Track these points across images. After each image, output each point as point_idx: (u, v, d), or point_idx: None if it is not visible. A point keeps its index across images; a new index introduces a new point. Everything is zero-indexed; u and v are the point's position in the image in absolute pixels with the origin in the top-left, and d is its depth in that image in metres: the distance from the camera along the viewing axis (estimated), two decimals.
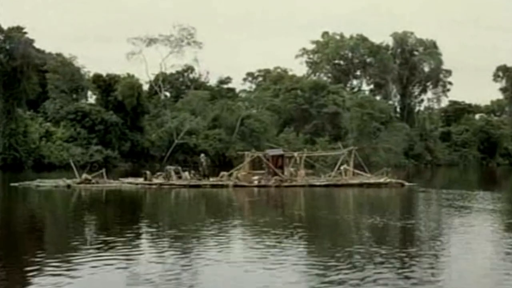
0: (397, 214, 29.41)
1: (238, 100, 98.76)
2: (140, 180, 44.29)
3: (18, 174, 62.89)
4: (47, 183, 42.86)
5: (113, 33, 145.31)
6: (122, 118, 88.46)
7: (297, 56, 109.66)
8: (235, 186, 43.70)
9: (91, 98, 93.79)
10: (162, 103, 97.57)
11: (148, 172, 44.39)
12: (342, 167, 48.47)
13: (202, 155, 48.53)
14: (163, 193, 40.97)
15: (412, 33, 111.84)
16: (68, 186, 41.80)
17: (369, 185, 45.51)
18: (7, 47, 76.82)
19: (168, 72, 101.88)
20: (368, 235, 21.73)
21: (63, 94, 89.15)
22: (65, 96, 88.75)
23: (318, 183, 45.34)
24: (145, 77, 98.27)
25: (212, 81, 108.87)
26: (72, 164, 45.79)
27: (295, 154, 49.04)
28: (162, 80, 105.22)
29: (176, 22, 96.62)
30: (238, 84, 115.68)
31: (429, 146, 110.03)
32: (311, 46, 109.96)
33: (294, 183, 45.20)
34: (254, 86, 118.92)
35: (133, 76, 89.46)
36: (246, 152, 48.72)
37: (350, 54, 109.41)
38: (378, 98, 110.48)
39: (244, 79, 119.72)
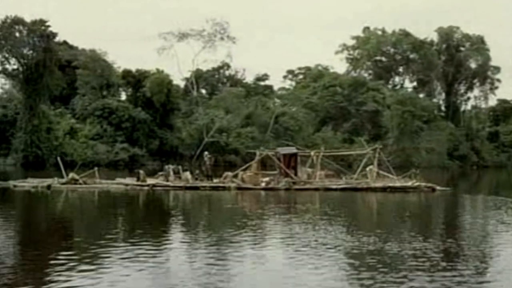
0: (434, 231, 22.27)
1: (272, 97, 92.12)
2: (132, 180, 38.36)
3: (40, 172, 58.29)
4: (28, 184, 37.23)
5: (147, 31, 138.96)
6: (151, 115, 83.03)
7: (337, 52, 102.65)
8: (238, 188, 37.38)
9: (123, 95, 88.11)
10: (195, 100, 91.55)
11: (141, 172, 38.50)
12: (368, 168, 41.62)
13: (206, 153, 42.37)
14: (153, 195, 34.93)
15: (458, 28, 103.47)
16: (49, 186, 36.16)
17: (394, 189, 38.69)
18: (30, 40, 71.71)
19: (201, 68, 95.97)
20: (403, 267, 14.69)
21: (93, 90, 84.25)
22: (94, 92, 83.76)
23: (334, 186, 38.68)
24: (177, 73, 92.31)
25: (249, 78, 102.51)
26: (60, 162, 40.00)
27: (312, 153, 42.36)
28: (198, 77, 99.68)
29: (209, 16, 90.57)
30: (276, 82, 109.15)
31: (476, 146, 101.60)
32: (351, 42, 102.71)
33: (307, 186, 38.62)
34: (293, 84, 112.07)
35: (162, 71, 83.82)
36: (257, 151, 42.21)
37: (392, 50, 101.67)
38: (421, 95, 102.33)
39: (284, 77, 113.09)
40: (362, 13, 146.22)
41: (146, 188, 36.81)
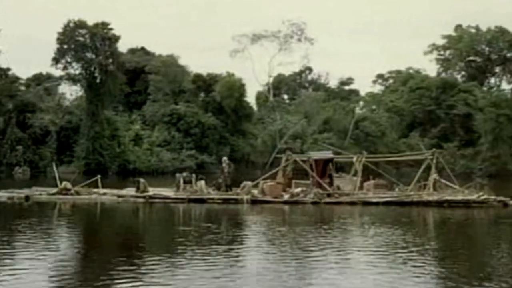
0: None
1: (352, 101, 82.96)
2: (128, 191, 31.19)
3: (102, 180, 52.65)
4: (6, 194, 30.75)
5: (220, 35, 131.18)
6: (222, 121, 76.31)
7: (425, 53, 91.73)
8: (253, 201, 29.41)
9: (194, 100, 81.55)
10: (271, 105, 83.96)
11: (141, 181, 31.25)
12: (431, 177, 32.55)
13: (224, 158, 34.56)
14: (144, 210, 27.60)
15: None
16: (27, 198, 29.46)
17: (454, 203, 29.46)
18: (92, 44, 66.48)
19: (283, 72, 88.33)
20: None
21: (165, 96, 78.56)
22: (166, 98, 77.99)
23: (375, 200, 29.88)
24: (251, 77, 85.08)
25: (332, 83, 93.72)
26: (55, 170, 33.37)
27: (354, 158, 33.67)
28: (279, 81, 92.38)
29: (285, 17, 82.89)
30: (361, 86, 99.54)
31: None
32: (441, 42, 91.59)
33: (341, 199, 30.09)
34: (383, 88, 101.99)
35: (233, 75, 76.88)
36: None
37: (487, 49, 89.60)
38: None
39: (374, 81, 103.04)
40: (456, 10, 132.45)
41: (141, 200, 29.51)
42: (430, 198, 30.31)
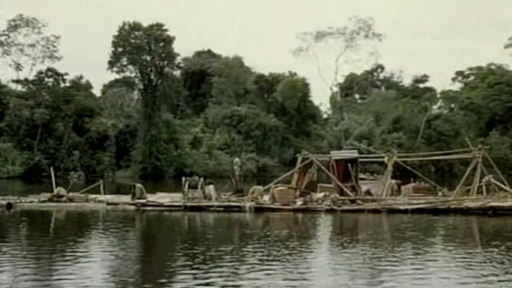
0: None
1: (423, 99, 75.97)
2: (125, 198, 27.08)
3: (158, 183, 49.71)
4: None
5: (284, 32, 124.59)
6: (286, 122, 71.61)
7: (506, 46, 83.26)
8: (257, 209, 24.64)
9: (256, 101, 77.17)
10: (338, 105, 78.47)
11: (138, 186, 27.10)
12: (484, 179, 26.82)
13: (236, 160, 29.98)
14: (123, 221, 23.34)
15: None
16: (9, 205, 25.89)
17: (501, 211, 23.66)
18: (147, 46, 63.49)
19: (344, 70, 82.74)
20: None
21: (229, 98, 74.78)
22: (229, 100, 74.17)
23: (403, 207, 24.44)
24: (317, 76, 79.83)
25: (406, 81, 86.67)
26: (52, 174, 29.75)
27: (386, 157, 28.20)
28: (350, 80, 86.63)
29: (351, 13, 77.21)
30: (438, 84, 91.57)
31: None
32: None
33: (362, 206, 24.83)
34: (462, 86, 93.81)
35: (295, 74, 71.98)
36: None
37: None
38: None
39: (453, 79, 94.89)
40: None
41: (131, 208, 25.36)
42: (472, 205, 24.51)
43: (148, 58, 64.08)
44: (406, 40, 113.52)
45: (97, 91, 73.53)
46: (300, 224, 22.81)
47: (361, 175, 31.08)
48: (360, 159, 28.71)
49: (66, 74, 65.72)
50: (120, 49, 63.53)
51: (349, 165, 26.13)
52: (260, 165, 66.87)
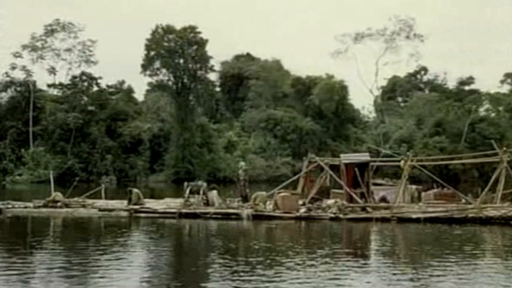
0: None
1: (466, 102, 72.28)
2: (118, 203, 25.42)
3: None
4: None
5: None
6: (323, 126, 69.21)
7: None
8: (255, 217, 22.61)
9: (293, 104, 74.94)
10: (379, 108, 75.65)
11: (135, 191, 25.36)
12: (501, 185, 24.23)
13: (242, 164, 28.01)
14: (112, 229, 21.64)
15: None
16: None
17: None
18: (179, 49, 62.15)
19: (384, 72, 79.52)
20: None
21: (267, 101, 72.94)
22: (266, 103, 72.32)
23: (415, 216, 22.03)
24: (356, 78, 77.17)
25: (451, 83, 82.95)
26: (51, 178, 28.36)
27: (402, 161, 25.73)
28: (393, 83, 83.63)
29: (392, 14, 74.30)
30: (485, 86, 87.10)
31: None
32: None
33: (371, 215, 22.50)
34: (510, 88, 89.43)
35: (332, 76, 69.49)
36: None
37: None
38: None
39: (502, 81, 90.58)
40: None
41: (124, 214, 23.66)
42: (493, 213, 21.89)
43: (181, 61, 62.69)
44: (449, 41, 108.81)
45: (140, 96, 72.90)
46: (295, 235, 20.61)
47: (379, 181, 28.76)
48: (375, 163, 26.36)
49: (100, 78, 64.97)
50: (153, 53, 62.32)
51: (356, 169, 23.75)
52: (296, 170, 64.53)
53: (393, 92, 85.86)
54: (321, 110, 68.96)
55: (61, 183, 57.25)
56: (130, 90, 74.14)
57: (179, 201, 25.58)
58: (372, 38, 72.12)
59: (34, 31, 65.28)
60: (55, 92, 66.37)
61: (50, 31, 65.63)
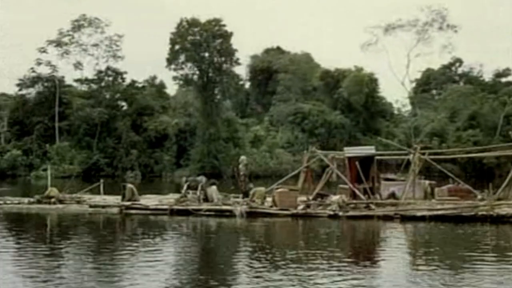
0: None
1: (501, 94, 69.24)
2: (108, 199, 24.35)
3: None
4: None
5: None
6: (353, 119, 67.32)
7: None
8: (250, 214, 21.27)
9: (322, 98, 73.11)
10: (410, 101, 73.28)
11: (129, 186, 24.25)
12: None
13: (242, 158, 26.63)
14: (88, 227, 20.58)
15: None
16: None
17: None
18: (204, 43, 61.02)
19: (416, 64, 76.93)
20: None
21: (296, 95, 71.40)
22: (296, 97, 70.77)
23: (420, 213, 20.37)
24: (386, 70, 74.79)
25: (487, 75, 79.83)
26: (49, 173, 27.53)
27: (411, 153, 23.95)
28: (427, 76, 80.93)
29: (423, 4, 71.71)
30: None
31: None
32: None
33: (373, 212, 20.90)
34: None
35: (361, 69, 67.43)
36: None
37: None
38: None
39: None
40: None
41: (114, 211, 22.58)
42: (506, 211, 20.04)
43: (206, 54, 61.54)
44: (484, 31, 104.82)
45: (172, 91, 72.28)
46: (286, 234, 19.20)
47: (391, 175, 27.05)
48: (382, 157, 24.68)
49: (125, 72, 64.34)
50: (177, 46, 61.36)
51: (357, 163, 22.14)
52: (325, 164, 62.88)
53: (428, 84, 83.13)
54: (350, 103, 67.11)
55: (86, 178, 57.11)
56: (162, 85, 73.58)
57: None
58: (403, 29, 69.47)
59: (61, 26, 65.08)
60: (83, 87, 66.10)
61: (77, 27, 65.18)
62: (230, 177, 57.47)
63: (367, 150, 24.79)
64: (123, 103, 63.33)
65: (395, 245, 16.62)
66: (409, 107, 74.75)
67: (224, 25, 61.48)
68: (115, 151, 60.57)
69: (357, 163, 22.44)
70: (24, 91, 63.59)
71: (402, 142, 66.14)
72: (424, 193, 24.74)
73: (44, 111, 61.74)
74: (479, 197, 23.66)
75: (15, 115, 62.56)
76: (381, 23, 69.45)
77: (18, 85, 63.13)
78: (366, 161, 22.85)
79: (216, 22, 61.45)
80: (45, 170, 57.32)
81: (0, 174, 56.76)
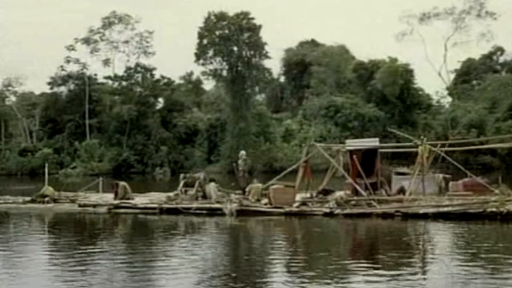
0: None
1: None
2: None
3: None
4: None
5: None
6: (387, 112, 64.90)
7: None
8: (240, 212, 19.80)
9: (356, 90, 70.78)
10: (448, 92, 70.38)
11: (121, 184, 22.99)
12: None
13: (242, 152, 25.06)
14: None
15: None
16: None
17: None
18: (231, 37, 59.65)
19: (453, 53, 73.94)
20: None
21: (330, 88, 69.39)
22: (330, 90, 68.75)
23: (422, 211, 18.52)
24: (423, 60, 72.01)
25: None
26: (46, 170, 26.58)
27: (419, 145, 21.90)
28: (468, 66, 77.69)
29: None
30: None
31: None
32: None
33: (373, 210, 19.09)
34: None
35: (395, 60, 64.94)
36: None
37: None
38: None
39: None
40: None
41: (102, 210, 21.39)
42: None
43: (235, 48, 60.15)
44: None
45: (208, 87, 71.37)
46: (259, 236, 17.58)
47: (404, 169, 25.07)
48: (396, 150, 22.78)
49: (154, 69, 63.59)
50: (205, 41, 60.19)
51: (354, 156, 20.35)
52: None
53: (468, 75, 79.86)
54: (385, 95, 64.67)
55: (116, 175, 56.52)
56: (199, 81, 72.77)
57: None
58: (439, 18, 66.73)
59: (92, 24, 64.78)
60: (115, 85, 65.61)
61: (107, 24, 64.79)
62: (261, 172, 56.54)
63: (370, 142, 22.93)
64: (153, 100, 62.44)
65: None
66: (448, 99, 71.71)
67: (252, 18, 60.05)
68: (145, 148, 59.89)
69: (354, 156, 20.58)
70: (55, 89, 63.53)
71: (439, 134, 63.78)
72: (439, 187, 22.79)
73: (75, 108, 61.54)
74: (496, 191, 21.56)
75: (47, 114, 62.59)
76: (416, 12, 67.01)
77: (49, 83, 63.16)
78: (370, 154, 21.02)
79: (244, 15, 60.02)
80: (74, 168, 57.11)
81: (31, 172, 56.68)
